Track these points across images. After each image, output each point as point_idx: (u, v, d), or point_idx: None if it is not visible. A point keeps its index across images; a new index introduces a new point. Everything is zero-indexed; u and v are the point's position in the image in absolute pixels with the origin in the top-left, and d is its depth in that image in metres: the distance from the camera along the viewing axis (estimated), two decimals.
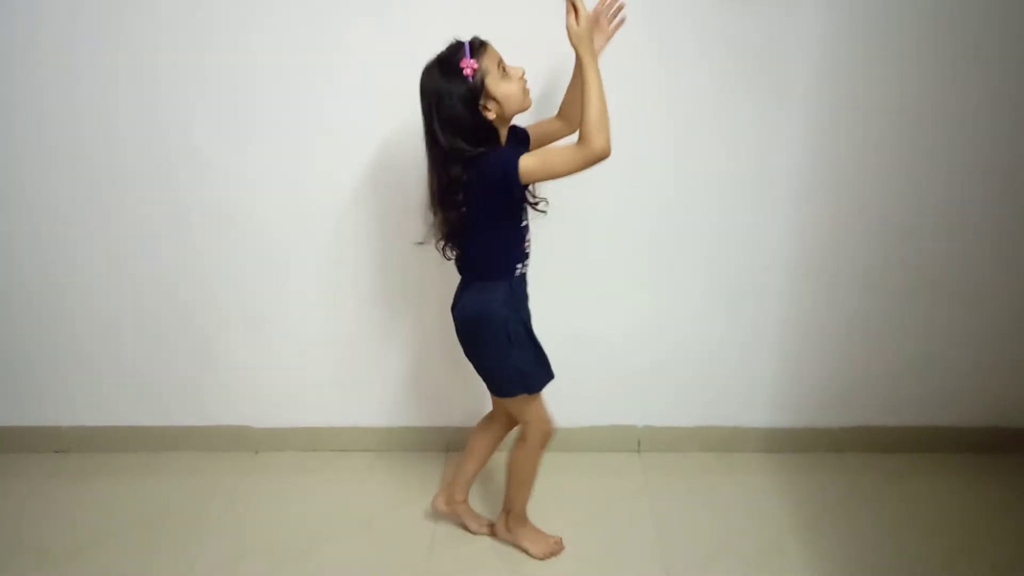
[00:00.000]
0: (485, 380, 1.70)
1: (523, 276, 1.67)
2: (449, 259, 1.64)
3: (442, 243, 1.61)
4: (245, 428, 2.28)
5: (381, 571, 1.84)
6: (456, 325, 1.67)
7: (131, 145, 1.95)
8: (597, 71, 1.41)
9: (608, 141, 1.40)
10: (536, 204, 1.63)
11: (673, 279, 2.06)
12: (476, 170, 1.48)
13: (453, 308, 1.68)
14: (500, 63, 1.48)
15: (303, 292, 2.11)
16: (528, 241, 1.64)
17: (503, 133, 1.55)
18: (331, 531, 1.97)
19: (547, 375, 1.68)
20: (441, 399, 2.20)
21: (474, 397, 2.06)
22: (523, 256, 1.63)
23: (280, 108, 1.90)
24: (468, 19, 1.76)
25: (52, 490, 2.15)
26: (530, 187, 1.56)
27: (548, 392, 1.69)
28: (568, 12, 1.40)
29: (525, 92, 1.52)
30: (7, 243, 2.08)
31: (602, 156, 1.40)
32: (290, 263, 2.07)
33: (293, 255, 2.06)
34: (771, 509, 2.00)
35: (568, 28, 1.39)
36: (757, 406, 2.19)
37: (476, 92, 1.44)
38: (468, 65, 1.42)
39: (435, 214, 1.57)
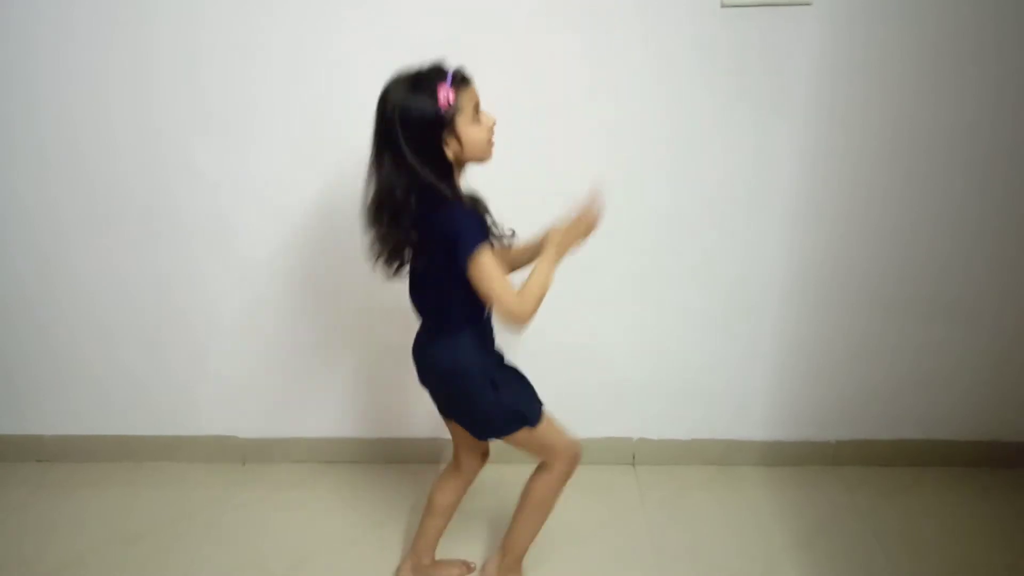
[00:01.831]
0: (475, 430, 1.58)
1: (490, 315, 1.54)
2: (395, 276, 1.48)
3: (383, 260, 1.44)
4: (232, 438, 2.24)
5: None
6: (424, 377, 1.57)
7: (124, 151, 1.93)
8: (551, 272, 1.40)
9: (532, 315, 1.35)
10: (501, 239, 1.47)
11: (669, 291, 2.03)
12: (432, 220, 1.36)
13: (417, 354, 1.56)
14: (476, 105, 1.37)
15: (292, 301, 2.08)
16: None
17: (459, 179, 1.42)
18: (320, 545, 1.93)
19: (539, 402, 1.58)
20: (433, 411, 2.16)
21: None
22: None
23: (272, 117, 1.88)
24: (463, 34, 1.77)
25: (36, 502, 2.11)
26: (493, 228, 1.44)
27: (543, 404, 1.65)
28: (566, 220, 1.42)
29: (491, 143, 1.41)
30: None
31: (520, 319, 1.35)
32: (278, 272, 2.04)
33: (281, 263, 2.03)
34: (767, 523, 1.98)
35: (551, 230, 1.43)
36: (753, 419, 2.16)
37: (443, 124, 1.32)
38: (446, 95, 1.31)
39: (373, 228, 1.42)
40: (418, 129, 1.32)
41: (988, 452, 2.14)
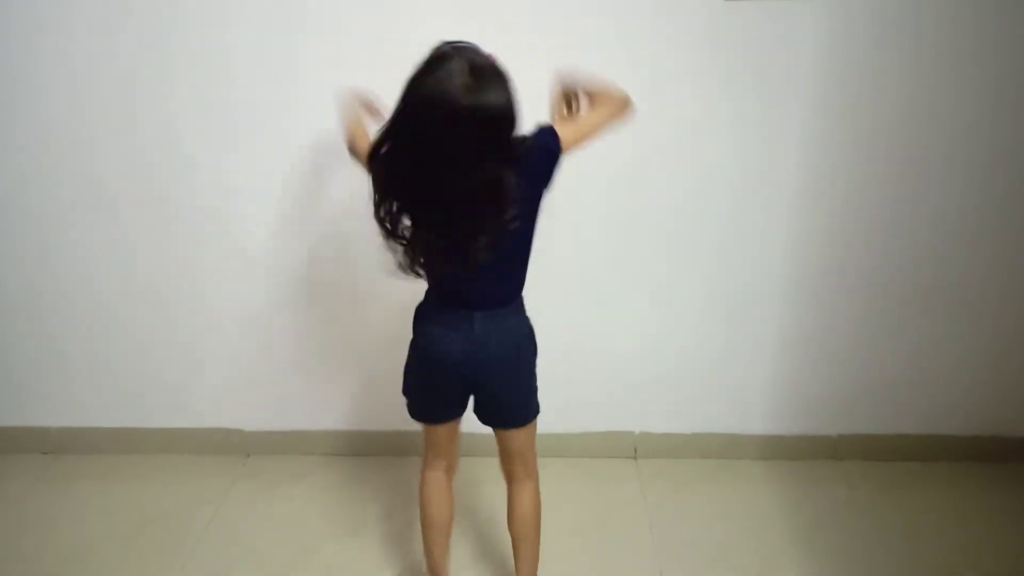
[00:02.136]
0: (522, 409, 1.51)
1: None
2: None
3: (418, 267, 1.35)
4: (235, 431, 2.24)
5: None
6: (474, 367, 1.43)
7: (125, 147, 1.93)
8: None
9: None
10: None
11: (670, 286, 2.04)
12: (523, 166, 1.25)
13: (470, 344, 1.41)
14: None
15: (295, 294, 2.08)
16: None
17: None
18: (323, 538, 1.94)
19: None
20: None
21: None
22: None
23: (273, 112, 1.88)
24: (471, 21, 1.77)
25: (40, 495, 2.11)
26: None
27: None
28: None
29: None
30: None
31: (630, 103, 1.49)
32: (281, 265, 2.05)
33: (281, 257, 2.04)
34: (768, 517, 1.98)
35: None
36: (754, 413, 2.17)
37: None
38: (494, 57, 1.21)
39: (438, 246, 1.30)
40: (514, 108, 1.22)
41: (990, 447, 2.15)
